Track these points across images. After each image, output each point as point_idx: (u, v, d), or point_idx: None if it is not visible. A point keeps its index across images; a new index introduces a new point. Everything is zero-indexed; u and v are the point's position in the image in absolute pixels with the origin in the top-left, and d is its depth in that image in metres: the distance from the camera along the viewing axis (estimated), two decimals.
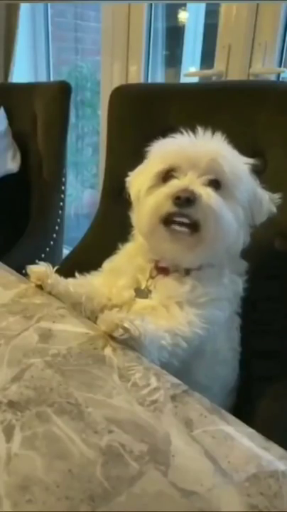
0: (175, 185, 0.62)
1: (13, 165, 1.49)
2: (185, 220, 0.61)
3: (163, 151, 0.66)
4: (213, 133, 0.66)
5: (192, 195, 0.59)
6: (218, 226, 0.61)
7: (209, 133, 0.66)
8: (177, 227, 0.61)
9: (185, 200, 0.59)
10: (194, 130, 0.66)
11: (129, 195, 0.71)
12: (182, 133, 0.67)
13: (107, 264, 0.76)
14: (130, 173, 0.73)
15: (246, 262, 0.72)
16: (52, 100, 1.42)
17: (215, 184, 0.62)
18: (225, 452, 0.39)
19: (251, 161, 0.67)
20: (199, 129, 0.66)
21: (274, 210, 0.68)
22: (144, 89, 1.15)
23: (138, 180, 0.68)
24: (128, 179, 0.73)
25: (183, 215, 0.60)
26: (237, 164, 0.65)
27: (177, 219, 0.61)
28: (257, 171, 0.68)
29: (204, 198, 0.60)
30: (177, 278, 0.68)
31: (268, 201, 0.67)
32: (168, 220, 0.62)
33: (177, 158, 0.63)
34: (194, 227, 0.61)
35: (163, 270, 0.69)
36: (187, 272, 0.68)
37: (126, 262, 0.73)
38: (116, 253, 0.77)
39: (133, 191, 0.70)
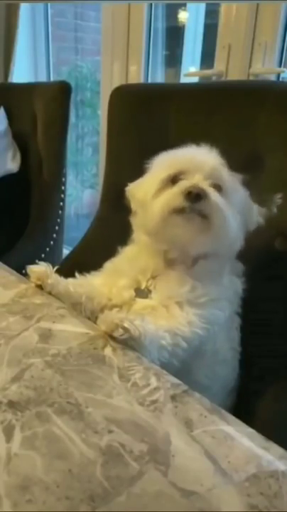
0: (185, 183, 0.65)
1: (13, 165, 1.49)
2: (196, 213, 0.64)
3: (169, 159, 0.70)
4: (210, 146, 0.70)
5: (203, 192, 0.63)
6: (224, 221, 0.64)
7: (206, 146, 0.70)
8: (188, 211, 0.64)
9: (196, 196, 0.63)
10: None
11: (129, 202, 0.74)
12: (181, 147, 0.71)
13: (108, 265, 0.77)
14: (130, 184, 0.75)
15: (242, 263, 0.74)
16: (52, 100, 1.42)
17: (218, 188, 0.66)
18: (225, 452, 0.39)
19: (239, 176, 0.70)
20: (195, 145, 0.70)
21: (262, 221, 0.71)
22: (144, 89, 1.15)
23: (144, 187, 0.71)
24: (128, 189, 0.75)
25: (193, 209, 0.63)
26: (231, 176, 0.69)
27: (189, 209, 0.64)
28: (249, 183, 0.71)
29: (212, 195, 0.64)
30: (179, 276, 0.68)
31: (256, 212, 0.71)
32: (179, 211, 0.65)
33: (185, 163, 0.67)
34: (203, 216, 0.64)
35: (170, 263, 0.70)
36: (194, 262, 0.69)
37: (127, 264, 0.74)
38: (116, 255, 0.77)
39: (137, 198, 0.72)
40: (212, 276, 0.69)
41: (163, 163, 0.71)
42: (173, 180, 0.67)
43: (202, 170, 0.66)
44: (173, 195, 0.64)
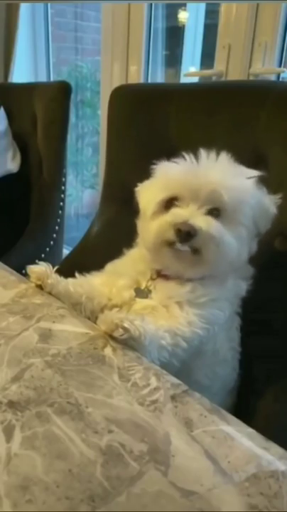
0: (176, 214, 0.63)
1: (13, 165, 1.49)
2: (187, 248, 0.62)
3: (166, 179, 0.67)
4: (218, 153, 0.66)
5: (192, 230, 0.61)
6: (219, 250, 0.62)
7: (212, 156, 0.66)
8: (180, 247, 0.62)
9: (186, 233, 0.61)
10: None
11: (137, 203, 0.72)
12: (184, 157, 0.66)
13: (110, 266, 0.76)
14: (139, 185, 0.73)
15: (251, 267, 0.72)
16: (52, 100, 1.42)
17: (216, 211, 0.63)
18: (225, 452, 0.39)
19: (254, 173, 0.67)
20: (203, 152, 0.65)
21: (275, 211, 0.68)
22: (144, 89, 1.15)
23: (146, 198, 0.69)
24: (137, 189, 0.73)
25: (184, 244, 0.62)
26: (239, 187, 0.64)
27: (179, 246, 0.62)
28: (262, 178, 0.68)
29: (204, 230, 0.61)
30: (178, 281, 0.68)
31: (273, 207, 0.68)
32: (171, 243, 0.63)
33: (179, 188, 0.64)
34: (195, 250, 0.62)
35: (164, 276, 0.69)
36: (189, 280, 0.68)
37: (129, 266, 0.74)
38: (120, 257, 0.77)
39: (141, 205, 0.71)
40: (212, 282, 0.68)
41: (162, 180, 0.68)
42: (168, 204, 0.65)
43: (198, 197, 0.62)
44: (164, 227, 0.63)
